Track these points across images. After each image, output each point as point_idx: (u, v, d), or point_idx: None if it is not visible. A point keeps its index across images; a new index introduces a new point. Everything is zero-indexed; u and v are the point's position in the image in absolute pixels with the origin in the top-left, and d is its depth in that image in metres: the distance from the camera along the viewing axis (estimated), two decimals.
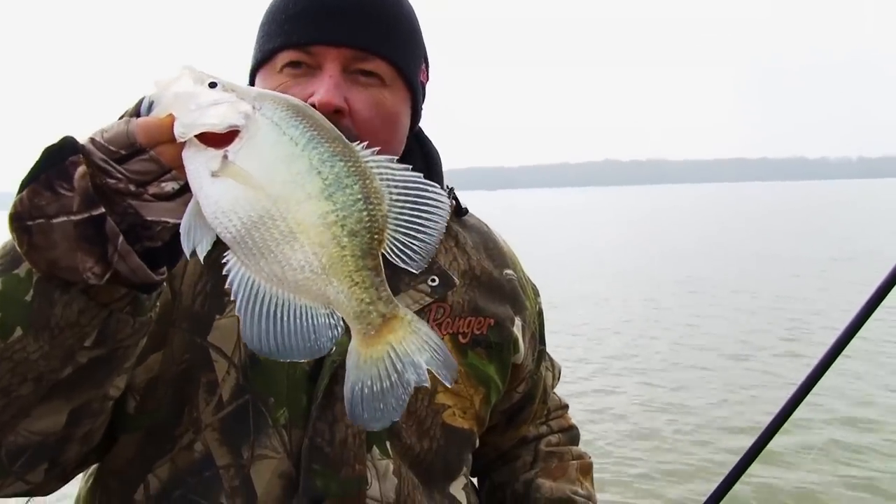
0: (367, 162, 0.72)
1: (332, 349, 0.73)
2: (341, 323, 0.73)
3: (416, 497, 1.11)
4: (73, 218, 0.72)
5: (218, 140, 0.71)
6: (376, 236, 0.71)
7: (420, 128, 1.25)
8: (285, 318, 0.72)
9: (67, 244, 0.73)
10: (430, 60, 1.21)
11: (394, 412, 0.74)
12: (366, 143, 0.74)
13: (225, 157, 0.70)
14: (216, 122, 0.70)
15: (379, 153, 0.92)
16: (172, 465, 1.02)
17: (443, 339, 1.12)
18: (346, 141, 0.73)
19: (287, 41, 1.05)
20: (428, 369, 0.75)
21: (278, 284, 0.71)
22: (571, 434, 1.50)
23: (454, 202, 1.27)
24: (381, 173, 0.72)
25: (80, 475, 1.11)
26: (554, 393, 1.51)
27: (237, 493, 1.01)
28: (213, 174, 0.70)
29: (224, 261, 0.72)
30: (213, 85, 0.74)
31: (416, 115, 1.17)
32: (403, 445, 1.10)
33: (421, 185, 0.73)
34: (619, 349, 9.47)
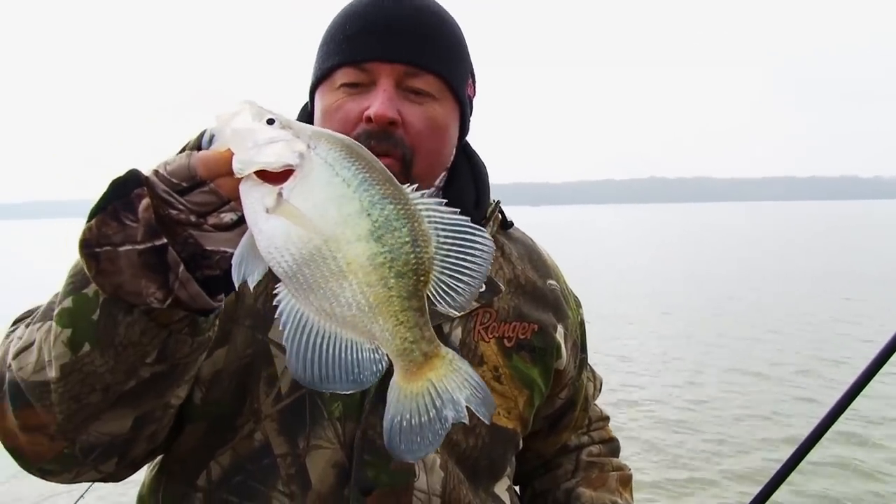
0: (416, 204, 0.74)
1: (374, 384, 0.76)
2: (385, 358, 0.76)
3: (461, 491, 1.15)
4: (137, 247, 0.77)
5: (274, 177, 0.74)
6: (422, 278, 0.74)
7: (468, 142, 1.31)
8: (331, 351, 0.75)
9: (132, 271, 0.78)
10: (476, 76, 1.27)
11: (430, 446, 0.77)
12: (416, 185, 0.76)
13: (280, 194, 0.73)
14: (272, 160, 0.73)
15: (429, 163, 1.04)
16: (233, 452, 1.08)
17: (489, 342, 1.20)
18: (397, 183, 0.75)
19: (344, 59, 1.12)
20: (467, 406, 0.77)
21: (326, 318, 0.74)
22: (612, 446, 1.53)
23: (500, 216, 1.33)
24: (429, 216, 0.74)
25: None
26: (595, 404, 1.55)
27: (293, 480, 1.07)
28: (268, 210, 0.73)
29: (275, 292, 0.75)
30: (270, 121, 0.77)
31: (464, 127, 1.24)
32: (450, 441, 1.15)
33: (467, 229, 0.75)
34: (648, 366, 9.41)
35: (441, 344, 0.77)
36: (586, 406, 1.49)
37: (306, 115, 1.23)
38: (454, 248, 0.75)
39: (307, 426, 1.08)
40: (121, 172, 0.80)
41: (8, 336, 0.98)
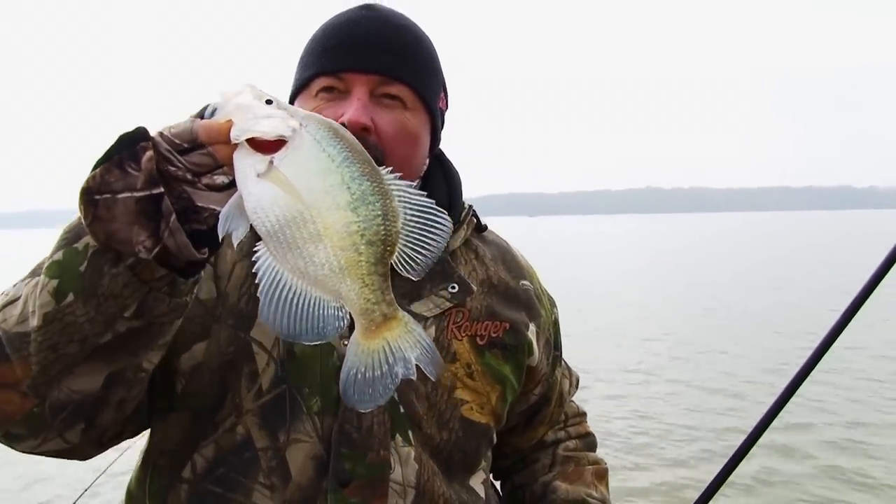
0: (389, 184, 0.84)
1: (334, 336, 0.84)
2: (347, 316, 0.84)
3: (435, 483, 1.20)
4: (135, 194, 0.84)
5: (266, 147, 0.83)
6: (388, 248, 0.83)
7: (442, 151, 1.37)
8: (300, 305, 0.83)
9: (127, 218, 0.85)
10: (448, 91, 1.33)
11: (380, 398, 0.85)
12: (391, 168, 0.86)
13: (271, 162, 0.82)
14: (267, 130, 0.83)
15: (400, 169, 1.04)
16: (216, 445, 1.14)
17: (462, 340, 1.26)
18: (374, 164, 0.85)
19: (322, 69, 1.19)
20: (416, 364, 0.86)
21: (299, 276, 0.83)
22: (588, 440, 1.57)
23: (475, 220, 1.38)
24: (399, 195, 0.84)
25: (135, 457, 1.24)
26: (572, 401, 1.59)
27: (274, 472, 1.12)
28: (259, 175, 0.82)
29: (255, 249, 0.84)
30: (269, 102, 0.86)
31: (435, 137, 1.29)
32: (424, 435, 1.20)
33: (430, 209, 0.85)
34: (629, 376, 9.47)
35: (399, 308, 0.86)
36: (561, 402, 1.53)
37: None
38: (418, 224, 0.85)
39: (287, 421, 1.13)
40: (129, 129, 0.87)
41: None
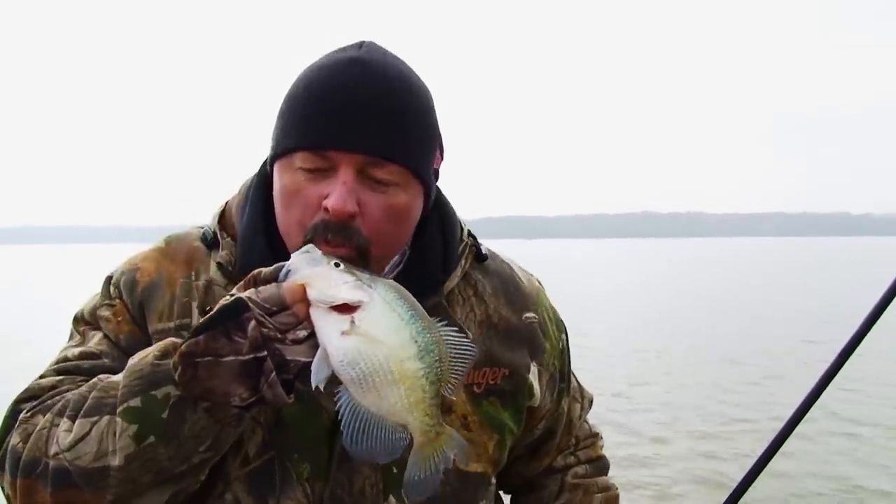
0: (440, 332, 1.00)
1: (400, 453, 0.99)
2: (408, 436, 1.00)
3: None
4: (241, 358, 0.96)
5: (343, 308, 0.97)
6: (442, 383, 1.00)
7: (439, 189, 1.28)
8: (375, 433, 0.97)
9: (228, 377, 0.96)
10: (444, 146, 1.23)
11: (431, 489, 1.01)
12: (442, 320, 1.01)
13: (352, 322, 0.96)
14: (350, 297, 0.97)
15: (388, 249, 1.17)
16: None
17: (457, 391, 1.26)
18: (429, 317, 1.00)
19: (302, 143, 1.10)
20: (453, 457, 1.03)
21: (375, 410, 0.98)
22: (599, 464, 1.51)
23: (475, 249, 1.33)
24: (447, 340, 1.00)
25: None
26: (585, 422, 1.53)
27: None
28: (343, 333, 0.96)
29: (337, 390, 0.97)
30: (337, 265, 1.00)
31: (428, 200, 1.21)
32: None
33: (466, 347, 1.01)
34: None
35: (445, 424, 1.02)
36: (570, 429, 1.48)
37: (265, 179, 1.23)
38: (456, 357, 1.00)
39: (277, 488, 1.14)
40: (228, 301, 0.98)
41: (24, 421, 1.07)
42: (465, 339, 1.02)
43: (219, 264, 1.22)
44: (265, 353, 0.96)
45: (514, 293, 1.34)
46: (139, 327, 1.19)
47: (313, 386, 0.96)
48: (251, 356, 0.96)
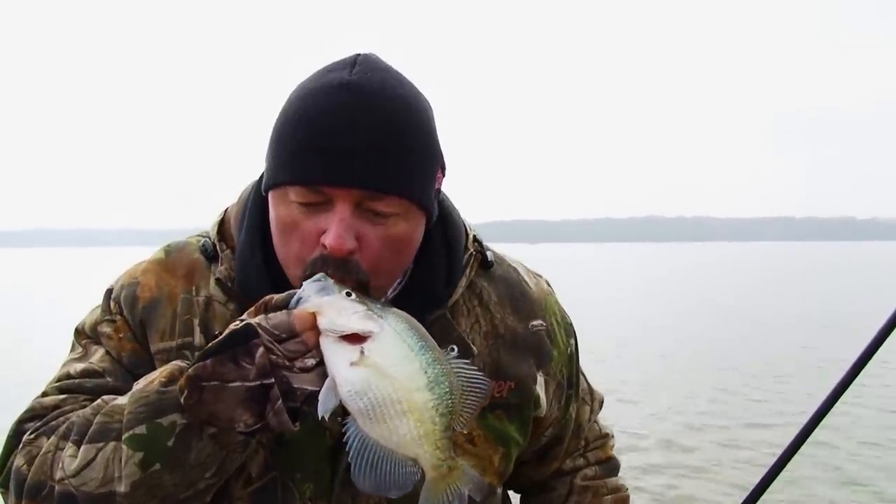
0: (451, 363, 0.99)
1: (411, 487, 0.98)
2: (420, 470, 0.98)
3: None
4: (247, 384, 0.96)
5: (353, 337, 0.96)
6: (453, 416, 0.99)
7: (445, 197, 1.26)
8: (385, 467, 0.96)
9: (234, 402, 0.97)
10: (445, 165, 1.18)
11: None
12: (453, 349, 1.02)
13: (361, 352, 0.96)
14: (361, 328, 0.97)
15: (388, 278, 1.15)
16: None
17: None
18: (440, 349, 1.00)
19: (296, 178, 1.06)
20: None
21: (384, 442, 0.97)
22: (610, 465, 1.50)
23: (481, 255, 1.30)
24: (458, 372, 1.00)
25: None
26: (596, 422, 1.51)
27: None
28: (353, 363, 0.95)
29: (345, 421, 0.97)
30: (348, 294, 1.00)
31: (430, 220, 1.17)
32: None
33: (478, 380, 1.00)
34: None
35: (457, 458, 1.01)
36: (578, 433, 1.46)
37: (260, 199, 1.19)
38: (468, 390, 1.00)
39: None
40: (237, 326, 0.99)
41: (29, 443, 1.07)
42: (479, 373, 1.01)
43: (217, 280, 1.20)
44: (272, 380, 0.96)
45: (521, 300, 1.32)
46: (141, 345, 1.18)
47: (319, 416, 0.95)
48: (258, 382, 0.96)
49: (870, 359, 1.64)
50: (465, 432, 1.04)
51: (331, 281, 1.01)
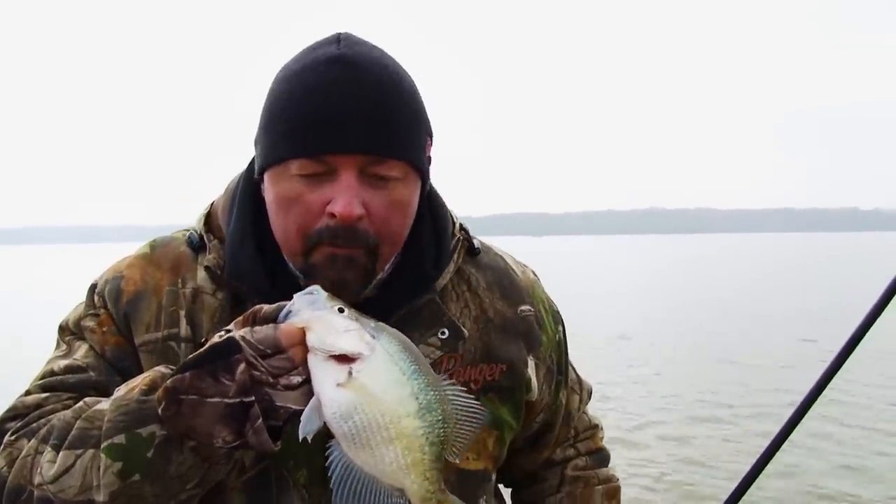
0: (445, 390, 0.96)
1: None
2: (408, 502, 0.95)
3: None
4: (226, 400, 0.92)
5: (342, 357, 0.92)
6: (445, 446, 0.95)
7: (431, 185, 1.27)
8: (369, 495, 0.93)
9: (212, 418, 0.93)
10: (433, 133, 1.21)
11: None
12: (449, 376, 1.05)
13: (349, 373, 0.91)
14: (350, 348, 0.92)
15: (393, 245, 1.14)
16: None
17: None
18: (434, 374, 0.97)
19: (299, 150, 1.07)
20: None
21: (369, 470, 0.93)
22: (600, 456, 1.51)
23: (468, 243, 1.31)
24: (452, 399, 0.96)
25: None
26: (584, 413, 1.52)
27: None
28: (339, 384, 0.91)
29: (328, 445, 0.94)
30: (341, 310, 0.95)
31: (424, 191, 1.21)
32: None
33: (475, 409, 0.98)
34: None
35: (448, 493, 0.98)
36: (569, 421, 1.46)
37: (252, 180, 1.20)
38: (463, 419, 0.97)
39: (274, 495, 1.13)
40: (218, 339, 0.96)
41: (9, 444, 1.06)
42: (474, 401, 0.98)
43: (206, 268, 1.19)
44: (252, 398, 0.93)
45: (509, 286, 1.33)
46: (125, 338, 1.17)
47: (300, 437, 0.92)
48: (237, 400, 0.93)
49: (856, 346, 1.70)
50: (458, 463, 1.00)
51: (324, 294, 0.97)
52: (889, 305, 1.66)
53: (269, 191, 1.13)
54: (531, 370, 1.31)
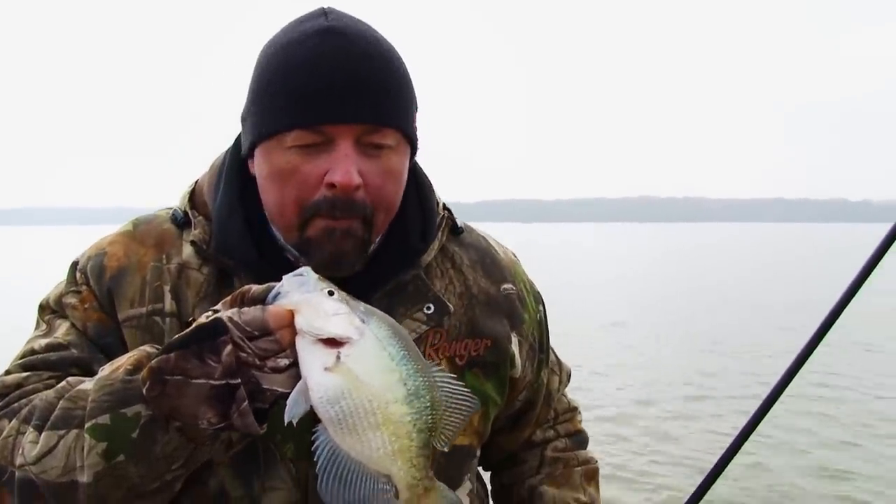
0: (434, 376, 0.94)
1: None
2: (394, 489, 0.93)
3: None
4: (212, 382, 0.91)
5: (330, 341, 0.91)
6: (433, 433, 0.94)
7: (416, 161, 1.28)
8: (354, 481, 0.91)
9: (197, 399, 0.92)
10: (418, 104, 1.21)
11: None
12: (438, 363, 1.06)
13: (338, 357, 0.90)
14: (339, 332, 0.90)
15: (388, 213, 1.14)
16: (193, 496, 1.12)
17: (440, 363, 1.22)
18: (424, 360, 0.95)
19: (296, 121, 1.07)
20: None
21: (356, 455, 0.92)
22: (579, 438, 1.52)
23: (451, 221, 1.32)
24: (442, 386, 0.95)
25: None
26: (563, 395, 1.53)
27: None
28: (327, 368, 0.89)
29: (315, 430, 0.92)
30: (331, 293, 0.93)
31: (413, 156, 1.22)
32: None
33: (465, 397, 0.97)
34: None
35: (435, 479, 0.97)
36: (549, 401, 1.47)
37: (237, 163, 1.20)
38: (452, 407, 0.96)
39: (261, 469, 1.12)
40: (205, 319, 0.94)
41: None
42: (464, 388, 0.97)
43: (192, 243, 1.17)
44: (238, 380, 0.91)
45: (491, 265, 1.34)
46: (107, 315, 1.15)
47: (286, 421, 0.91)
48: (223, 382, 0.91)
49: (819, 342, 1.75)
50: (446, 450, 0.98)
51: (314, 276, 0.95)
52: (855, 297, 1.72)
53: (261, 165, 1.12)
54: (515, 346, 1.31)
